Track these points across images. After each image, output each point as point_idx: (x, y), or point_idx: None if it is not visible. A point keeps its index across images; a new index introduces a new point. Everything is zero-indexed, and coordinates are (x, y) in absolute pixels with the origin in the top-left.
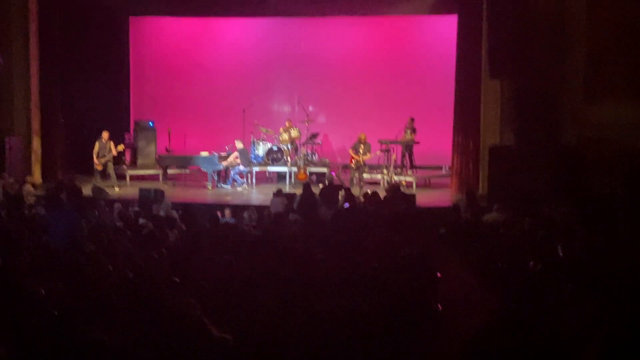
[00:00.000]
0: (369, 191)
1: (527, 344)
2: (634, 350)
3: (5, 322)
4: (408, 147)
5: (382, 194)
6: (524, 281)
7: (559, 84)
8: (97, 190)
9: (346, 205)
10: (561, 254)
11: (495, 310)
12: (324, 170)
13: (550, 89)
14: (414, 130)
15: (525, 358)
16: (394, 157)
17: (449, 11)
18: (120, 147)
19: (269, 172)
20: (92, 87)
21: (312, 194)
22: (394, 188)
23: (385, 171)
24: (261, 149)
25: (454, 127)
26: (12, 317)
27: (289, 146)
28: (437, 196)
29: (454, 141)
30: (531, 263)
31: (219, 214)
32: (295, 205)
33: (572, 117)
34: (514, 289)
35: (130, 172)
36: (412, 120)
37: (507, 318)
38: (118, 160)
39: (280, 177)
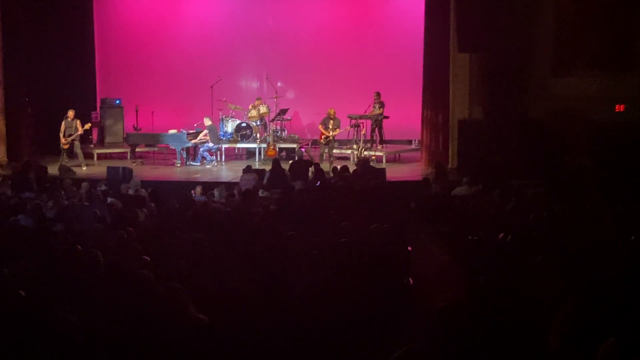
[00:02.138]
0: (339, 166)
1: (497, 315)
2: (602, 321)
3: None
4: (377, 122)
5: (352, 169)
6: (494, 253)
7: (528, 57)
8: (64, 170)
9: (317, 183)
10: (531, 225)
11: (465, 283)
12: (294, 146)
13: (518, 63)
14: (382, 105)
15: (495, 329)
16: (363, 132)
17: None
18: (87, 126)
19: (238, 149)
20: (57, 65)
21: (282, 170)
22: (363, 162)
23: (355, 146)
24: (230, 126)
25: (423, 101)
26: None
27: (258, 123)
28: (407, 170)
29: (423, 115)
30: (500, 235)
31: (191, 192)
32: (264, 182)
33: (541, 90)
34: (483, 261)
35: (97, 151)
36: (378, 94)
37: (478, 290)
38: (85, 139)
39: (250, 153)
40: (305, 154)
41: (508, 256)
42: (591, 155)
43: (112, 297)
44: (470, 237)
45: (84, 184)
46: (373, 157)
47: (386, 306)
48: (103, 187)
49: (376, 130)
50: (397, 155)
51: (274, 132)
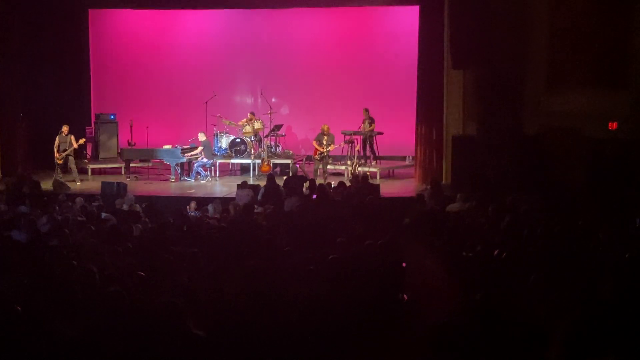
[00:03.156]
0: (333, 182)
1: (492, 332)
2: (598, 339)
3: None
4: (369, 138)
5: (346, 184)
6: (489, 269)
7: (521, 73)
8: (58, 185)
9: (314, 196)
10: (526, 241)
11: (460, 299)
12: (288, 162)
13: (512, 79)
14: (372, 121)
15: (490, 346)
16: (357, 148)
17: (411, 2)
18: (81, 141)
19: (233, 165)
20: (51, 80)
21: (277, 185)
22: (361, 178)
23: (349, 162)
24: (224, 141)
25: (417, 117)
26: None
27: (252, 138)
28: (401, 186)
29: (417, 131)
30: (495, 252)
31: (185, 207)
32: (259, 197)
33: (534, 106)
34: (478, 277)
35: (91, 166)
36: (367, 110)
37: (473, 307)
38: (79, 154)
39: (244, 169)
40: (299, 169)
41: (503, 272)
42: (585, 171)
43: (107, 312)
44: (465, 253)
45: (78, 199)
46: (367, 173)
47: (381, 322)
48: (98, 203)
49: (367, 146)
50: (391, 171)
51: (268, 147)
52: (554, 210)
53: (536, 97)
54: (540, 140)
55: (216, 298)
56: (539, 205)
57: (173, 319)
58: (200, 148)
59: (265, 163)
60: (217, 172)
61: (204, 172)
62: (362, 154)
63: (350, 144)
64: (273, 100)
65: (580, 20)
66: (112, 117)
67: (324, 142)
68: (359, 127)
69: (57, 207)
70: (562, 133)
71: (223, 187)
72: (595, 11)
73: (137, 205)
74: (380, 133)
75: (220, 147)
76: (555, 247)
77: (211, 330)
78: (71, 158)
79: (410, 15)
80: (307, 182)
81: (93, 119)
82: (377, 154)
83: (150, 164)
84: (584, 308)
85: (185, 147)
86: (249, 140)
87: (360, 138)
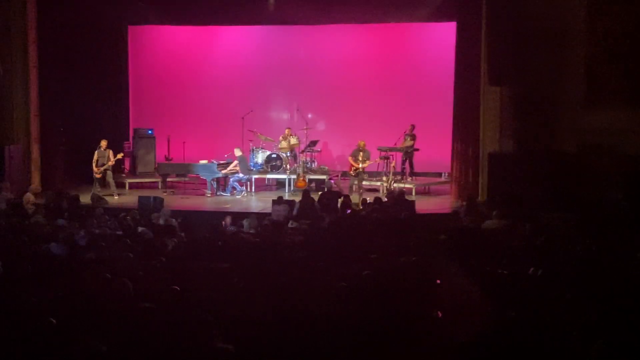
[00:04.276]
0: (369, 198)
1: (526, 351)
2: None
3: (3, 330)
4: (408, 154)
5: (383, 200)
6: (524, 288)
7: (558, 91)
8: (96, 199)
9: (348, 211)
10: (562, 260)
11: (494, 317)
12: (323, 177)
13: (549, 96)
14: (413, 137)
15: None
16: (393, 164)
17: (448, 18)
18: (119, 156)
19: (268, 180)
20: (91, 95)
21: (312, 201)
22: (397, 194)
23: (384, 178)
24: (260, 157)
25: (453, 134)
26: (10, 325)
27: (288, 154)
28: (437, 203)
29: (453, 148)
30: (531, 270)
31: (220, 222)
32: (294, 212)
33: (571, 124)
34: (513, 295)
35: (129, 180)
36: (413, 127)
37: (507, 325)
38: (117, 168)
39: (280, 184)
40: (334, 185)
41: (538, 291)
42: (623, 190)
43: (140, 326)
44: (500, 271)
45: (116, 213)
46: (403, 189)
47: (415, 339)
48: (135, 216)
49: (406, 162)
50: (427, 187)
51: (303, 163)
52: (591, 229)
53: (573, 114)
54: (577, 158)
55: (247, 313)
56: (575, 223)
57: (202, 333)
58: (235, 162)
59: (301, 178)
60: (253, 187)
61: (239, 187)
62: (400, 169)
63: (386, 160)
64: (309, 116)
65: (617, 37)
66: (149, 132)
67: (360, 158)
68: (396, 143)
69: (94, 221)
70: (599, 151)
71: (259, 202)
72: (632, 28)
73: (173, 219)
74: (416, 149)
75: (256, 163)
76: (591, 267)
77: (240, 345)
78: (109, 172)
79: (447, 32)
80: (342, 198)
81: (131, 134)
82: (414, 170)
83: (186, 179)
84: (620, 329)
85: (222, 162)
86: (284, 155)
87: (396, 154)
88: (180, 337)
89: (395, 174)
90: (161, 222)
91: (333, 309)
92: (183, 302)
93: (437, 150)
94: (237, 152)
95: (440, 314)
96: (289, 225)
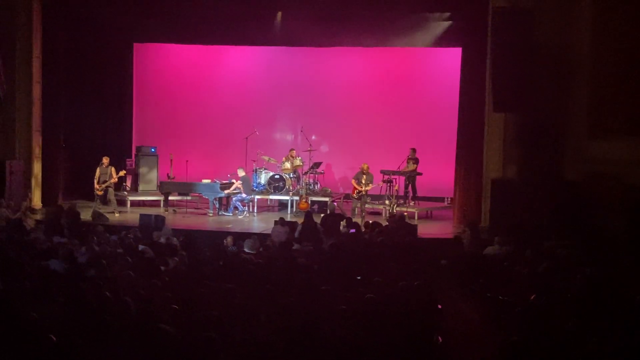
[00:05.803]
0: (370, 221)
1: None
2: None
3: (4, 347)
4: (410, 178)
5: (384, 224)
6: (525, 314)
7: (563, 119)
8: (97, 216)
9: (351, 230)
10: (564, 287)
11: (496, 343)
12: (326, 199)
13: (553, 124)
14: (416, 161)
15: None
16: (396, 187)
17: (453, 44)
18: (122, 173)
19: (271, 201)
20: (94, 112)
21: (314, 223)
22: (398, 218)
23: (387, 202)
24: (263, 177)
25: (456, 159)
26: (11, 342)
27: (291, 175)
28: (439, 228)
29: (456, 173)
30: (532, 296)
31: (222, 242)
32: (296, 234)
33: (575, 152)
34: (515, 322)
35: (131, 198)
36: (414, 150)
37: (508, 351)
38: (119, 185)
39: (282, 205)
40: (337, 207)
41: (540, 318)
42: (625, 219)
43: (141, 344)
44: (501, 297)
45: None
46: (405, 214)
47: None
48: (136, 234)
49: (409, 186)
50: (429, 212)
51: (306, 184)
52: (593, 256)
53: (578, 142)
54: (580, 186)
55: (249, 334)
56: (577, 252)
57: (204, 353)
58: (238, 182)
59: (304, 200)
60: (255, 208)
61: (242, 207)
62: (402, 193)
63: (388, 184)
64: (313, 137)
65: (623, 65)
66: (152, 150)
67: (363, 181)
68: (399, 167)
69: (95, 238)
70: (603, 180)
71: (260, 223)
72: (638, 57)
73: (175, 238)
74: (419, 174)
75: (259, 183)
76: (594, 293)
77: None
78: (111, 189)
79: (452, 57)
80: (345, 221)
81: (134, 152)
82: (416, 194)
83: (189, 198)
84: (619, 356)
85: (224, 182)
86: (287, 177)
87: (399, 178)
88: (182, 356)
89: (398, 197)
90: (162, 240)
91: (335, 332)
92: (184, 321)
93: (440, 175)
94: (241, 173)
95: (440, 339)
96: (292, 247)
